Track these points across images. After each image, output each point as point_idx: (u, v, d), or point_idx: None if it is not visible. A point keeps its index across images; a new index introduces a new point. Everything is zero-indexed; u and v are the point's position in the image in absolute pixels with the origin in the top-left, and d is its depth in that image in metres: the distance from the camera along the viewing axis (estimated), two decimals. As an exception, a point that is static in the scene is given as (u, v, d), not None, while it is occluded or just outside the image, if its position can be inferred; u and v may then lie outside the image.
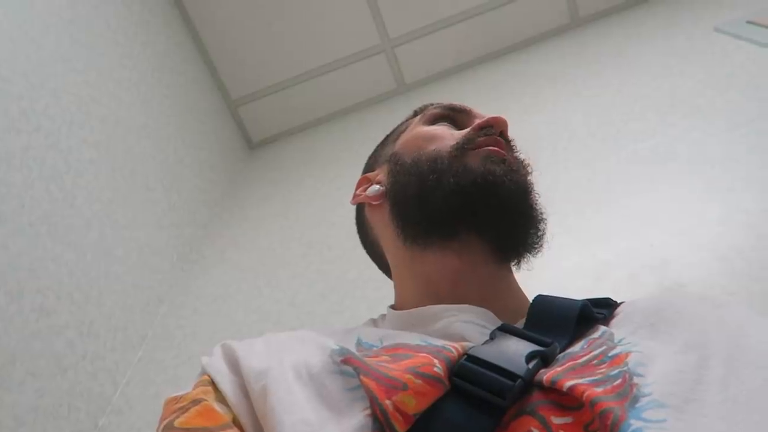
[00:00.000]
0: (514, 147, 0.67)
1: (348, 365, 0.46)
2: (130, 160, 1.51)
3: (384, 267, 0.73)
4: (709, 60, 1.46)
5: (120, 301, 1.29)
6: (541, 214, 0.62)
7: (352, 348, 0.51)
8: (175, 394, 0.50)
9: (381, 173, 0.71)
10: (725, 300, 0.53)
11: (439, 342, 0.50)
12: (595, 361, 0.45)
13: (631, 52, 1.67)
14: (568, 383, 0.41)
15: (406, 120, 0.77)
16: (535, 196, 0.62)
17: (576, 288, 0.84)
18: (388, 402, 0.42)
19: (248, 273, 1.45)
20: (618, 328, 0.51)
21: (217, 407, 0.46)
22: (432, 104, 0.75)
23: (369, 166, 0.78)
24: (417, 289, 0.62)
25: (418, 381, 0.43)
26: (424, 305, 0.58)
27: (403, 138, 0.71)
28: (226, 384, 0.48)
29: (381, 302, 0.69)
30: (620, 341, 0.48)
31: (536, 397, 0.42)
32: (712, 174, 1.10)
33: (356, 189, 0.74)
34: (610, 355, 0.45)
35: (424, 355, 0.46)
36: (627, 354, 0.45)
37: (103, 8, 1.59)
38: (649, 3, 1.90)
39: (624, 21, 1.88)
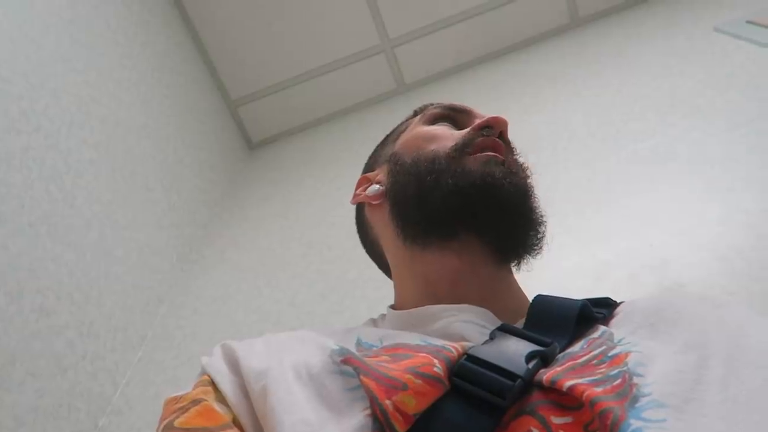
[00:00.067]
0: (513, 149, 0.67)
1: (348, 365, 0.46)
2: (129, 161, 1.51)
3: (384, 267, 0.73)
4: (709, 60, 1.46)
5: (120, 302, 1.29)
6: (541, 216, 0.62)
7: (352, 348, 0.51)
8: (175, 394, 0.50)
9: (381, 173, 0.71)
10: (725, 300, 0.53)
11: (439, 342, 0.50)
12: (594, 361, 0.45)
13: (631, 52, 1.68)
14: (568, 383, 0.41)
15: (407, 120, 0.77)
16: (534, 198, 0.62)
17: (576, 288, 0.84)
18: (388, 402, 0.42)
19: (248, 273, 1.45)
20: (618, 328, 0.51)
21: (217, 407, 0.46)
22: (432, 104, 0.75)
23: (369, 166, 0.78)
24: (417, 289, 0.62)
25: (418, 381, 0.43)
26: (424, 305, 0.58)
27: (403, 138, 0.71)
28: (226, 384, 0.48)
29: (381, 302, 0.69)
30: (620, 341, 0.48)
31: (536, 397, 0.42)
32: (712, 174, 1.10)
33: (356, 189, 0.74)
34: (609, 355, 0.45)
35: (424, 355, 0.46)
36: (627, 354, 0.45)
37: (103, 8, 1.60)
38: (648, 3, 1.90)
39: (624, 21, 1.88)
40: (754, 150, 1.11)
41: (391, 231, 0.66)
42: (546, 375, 0.43)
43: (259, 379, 0.46)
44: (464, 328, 0.53)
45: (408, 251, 0.63)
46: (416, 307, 0.59)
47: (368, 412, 0.42)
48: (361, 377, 0.44)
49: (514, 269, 0.65)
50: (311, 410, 0.43)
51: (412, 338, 0.52)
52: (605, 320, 0.54)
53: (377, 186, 0.69)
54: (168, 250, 1.52)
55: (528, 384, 0.44)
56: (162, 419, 0.47)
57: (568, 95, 1.60)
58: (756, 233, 0.93)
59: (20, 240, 1.09)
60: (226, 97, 2.11)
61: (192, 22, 2.01)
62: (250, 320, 1.29)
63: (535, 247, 0.62)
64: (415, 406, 0.42)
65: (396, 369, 0.44)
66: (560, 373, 0.43)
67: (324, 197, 1.63)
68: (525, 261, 0.63)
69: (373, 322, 0.64)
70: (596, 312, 0.54)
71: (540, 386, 0.43)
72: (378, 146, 0.79)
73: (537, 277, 0.67)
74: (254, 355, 0.50)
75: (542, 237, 0.62)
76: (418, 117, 0.73)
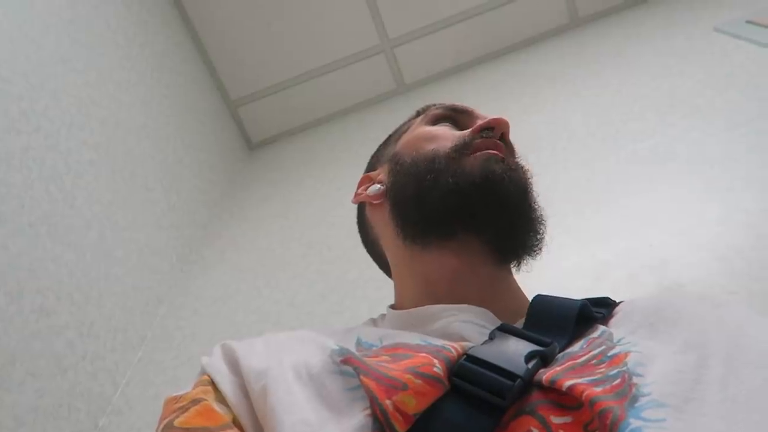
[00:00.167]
0: (514, 151, 0.67)
1: (348, 365, 0.46)
2: (129, 161, 1.51)
3: (384, 266, 0.74)
4: (709, 60, 1.46)
5: (120, 302, 1.29)
6: (541, 216, 0.62)
7: (352, 348, 0.52)
8: (174, 394, 0.50)
9: (382, 173, 0.71)
10: (725, 299, 0.53)
11: (439, 342, 0.50)
12: (594, 361, 0.45)
13: (631, 52, 1.68)
14: (568, 383, 0.41)
15: (409, 120, 0.77)
16: (534, 198, 0.62)
17: (575, 288, 0.84)
18: (388, 402, 0.42)
19: (248, 274, 1.45)
20: (617, 328, 0.51)
21: (217, 407, 0.46)
22: (435, 105, 0.75)
23: (371, 166, 0.78)
24: (416, 289, 0.62)
25: (418, 381, 0.43)
26: (424, 305, 0.58)
27: (405, 138, 0.71)
28: (226, 384, 0.48)
29: (381, 302, 0.69)
30: (619, 341, 0.48)
31: (536, 397, 0.42)
32: (712, 174, 1.10)
33: (358, 188, 0.74)
34: (609, 354, 0.45)
35: (424, 355, 0.46)
36: (626, 354, 0.45)
37: (102, 8, 1.60)
38: (648, 3, 1.90)
39: (623, 21, 1.88)
40: (753, 150, 1.11)
41: (391, 230, 0.66)
42: (545, 375, 0.43)
43: (259, 379, 0.46)
44: (464, 328, 0.53)
45: (408, 251, 0.64)
46: (416, 306, 0.59)
47: (368, 412, 0.42)
48: (361, 377, 0.44)
49: (513, 269, 0.65)
50: (311, 410, 0.43)
51: (412, 338, 0.52)
52: (605, 320, 0.54)
53: (378, 185, 0.69)
54: (168, 250, 1.52)
55: (528, 384, 0.44)
56: (162, 419, 0.47)
57: (567, 95, 1.60)
58: (756, 233, 0.93)
59: (20, 240, 1.09)
60: (226, 97, 2.11)
61: (192, 22, 2.01)
62: (249, 321, 1.29)
63: (535, 248, 0.62)
64: (415, 406, 0.42)
65: (396, 369, 0.45)
66: (560, 372, 0.43)
67: (324, 197, 1.63)
68: (524, 261, 0.63)
69: (373, 322, 0.64)
70: (596, 311, 0.54)
71: (540, 386, 0.43)
72: (380, 146, 0.79)
73: (536, 277, 0.68)
74: (254, 355, 0.50)
75: (542, 237, 0.62)
76: (420, 117, 0.74)
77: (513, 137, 0.68)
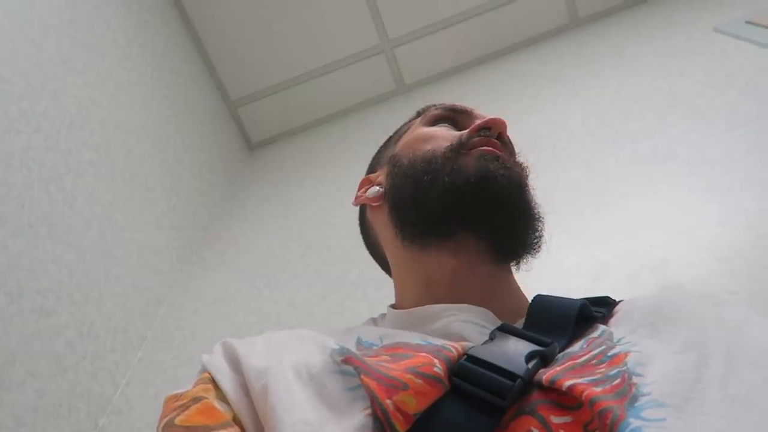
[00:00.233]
0: (513, 150, 0.67)
1: (348, 365, 0.46)
2: (129, 162, 1.51)
3: (386, 267, 0.74)
4: (709, 60, 1.46)
5: (120, 302, 1.29)
6: (538, 212, 0.62)
7: (352, 347, 0.52)
8: (175, 392, 0.50)
9: (381, 175, 0.71)
10: (725, 299, 0.53)
11: (439, 342, 0.50)
12: (594, 361, 0.45)
13: (630, 53, 1.68)
14: (568, 383, 0.41)
15: (409, 121, 0.77)
16: (530, 193, 0.62)
17: (575, 288, 0.84)
18: (388, 401, 0.42)
19: (248, 274, 1.45)
20: (617, 327, 0.51)
21: (218, 405, 0.46)
22: (434, 105, 0.75)
23: (371, 167, 0.78)
24: (416, 289, 0.62)
25: (419, 381, 0.43)
26: (424, 305, 0.59)
27: (404, 139, 0.71)
28: (227, 382, 0.48)
29: (382, 302, 0.69)
30: (619, 340, 0.48)
31: (536, 397, 0.43)
32: (712, 174, 1.10)
33: (358, 190, 0.74)
34: (609, 354, 0.45)
35: (424, 354, 0.46)
36: (626, 354, 0.45)
37: (102, 8, 1.60)
38: (648, 3, 1.90)
39: (623, 21, 1.88)
40: (753, 150, 1.11)
41: (390, 232, 0.66)
42: (545, 375, 0.43)
43: (259, 377, 0.46)
44: (464, 327, 0.53)
45: (407, 251, 0.64)
46: (416, 306, 0.59)
47: (369, 411, 0.42)
48: (362, 377, 0.44)
49: (513, 269, 0.65)
50: (311, 410, 0.43)
51: (412, 338, 0.52)
52: (604, 319, 0.54)
53: (377, 188, 0.70)
54: (168, 250, 1.52)
55: (528, 384, 0.44)
56: (162, 417, 0.47)
57: (567, 95, 1.60)
58: (755, 233, 0.93)
59: (20, 240, 1.09)
60: (226, 97, 2.11)
61: (192, 22, 2.01)
62: (249, 321, 1.29)
63: (534, 246, 0.62)
64: (415, 405, 0.42)
65: (396, 369, 0.45)
66: (560, 372, 0.43)
67: (324, 198, 1.63)
68: (524, 260, 0.63)
69: (374, 321, 0.64)
70: (595, 311, 0.54)
71: (540, 386, 0.43)
72: (381, 147, 0.79)
73: (536, 277, 0.68)
74: (255, 353, 0.50)
75: (540, 235, 0.62)
76: (420, 118, 0.74)
77: (513, 137, 0.68)
